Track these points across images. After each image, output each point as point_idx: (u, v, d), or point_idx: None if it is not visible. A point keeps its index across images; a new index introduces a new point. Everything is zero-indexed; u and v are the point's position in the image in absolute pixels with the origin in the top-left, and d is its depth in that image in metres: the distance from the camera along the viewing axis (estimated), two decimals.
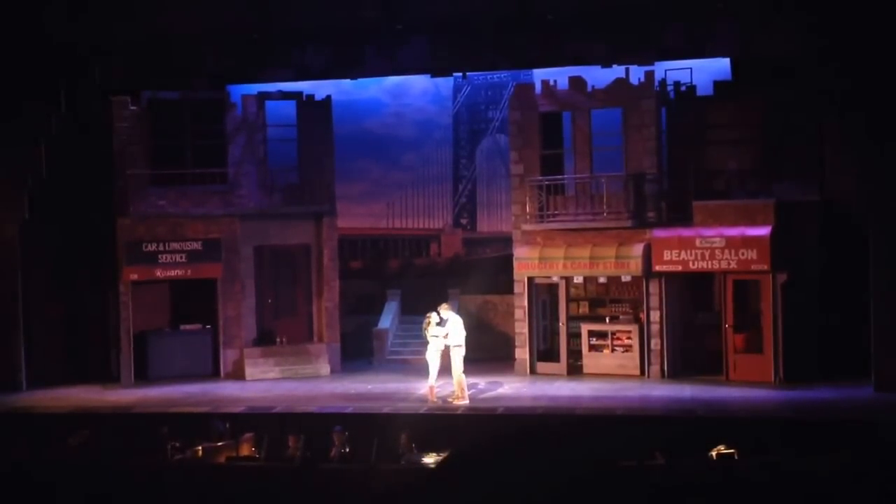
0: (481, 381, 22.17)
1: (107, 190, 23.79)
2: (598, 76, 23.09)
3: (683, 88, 23.14)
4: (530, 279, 23.47)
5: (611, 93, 22.83)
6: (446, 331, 20.01)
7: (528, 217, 23.47)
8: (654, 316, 22.41)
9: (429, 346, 20.21)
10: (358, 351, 25.66)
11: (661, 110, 22.80)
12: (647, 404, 19.76)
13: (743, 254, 21.36)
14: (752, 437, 16.59)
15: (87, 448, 17.04)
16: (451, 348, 20.01)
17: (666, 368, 22.30)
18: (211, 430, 17.87)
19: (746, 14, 21.64)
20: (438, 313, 20.26)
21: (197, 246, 23.78)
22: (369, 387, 22.26)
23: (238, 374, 23.70)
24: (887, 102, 20.10)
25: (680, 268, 22.00)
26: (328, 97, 24.73)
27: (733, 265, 21.48)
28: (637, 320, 22.76)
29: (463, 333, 20.31)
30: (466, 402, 19.99)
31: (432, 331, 20.07)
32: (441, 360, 20.18)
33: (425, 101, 28.40)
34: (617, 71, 22.85)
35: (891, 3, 20.14)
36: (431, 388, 20.16)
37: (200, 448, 16.87)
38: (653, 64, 22.54)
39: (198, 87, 24.07)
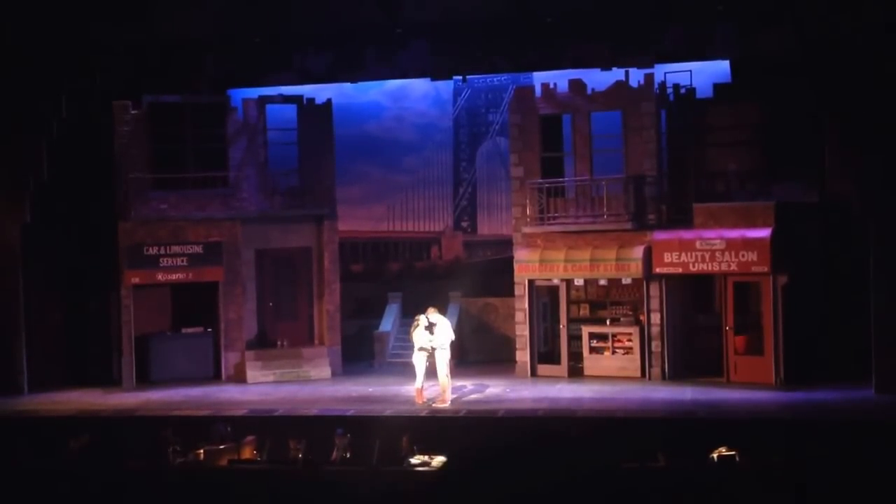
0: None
1: (108, 193, 23.83)
2: (598, 79, 23.13)
3: (683, 91, 23.18)
4: (531, 281, 23.50)
5: (610, 95, 22.87)
6: (432, 336, 20.05)
7: (528, 219, 23.50)
8: (655, 318, 22.44)
9: (415, 349, 20.28)
10: (359, 354, 25.70)
11: (660, 113, 22.84)
12: (648, 406, 19.77)
13: (743, 255, 21.39)
14: (753, 439, 16.61)
15: (89, 451, 17.06)
16: (435, 351, 20.03)
17: (667, 370, 22.33)
18: (213, 433, 17.91)
19: (745, 16, 21.69)
20: (427, 316, 20.30)
21: (198, 249, 23.83)
22: (370, 389, 22.29)
23: (239, 377, 23.73)
24: (886, 103, 20.13)
25: (680, 270, 22.03)
26: (329, 101, 24.77)
27: (734, 267, 21.52)
28: (638, 322, 22.79)
29: (450, 337, 20.32)
30: (447, 405, 19.99)
31: (416, 335, 20.12)
32: (430, 361, 20.24)
33: (426, 104, 28.44)
34: (617, 73, 22.89)
35: (888, 4, 20.17)
36: (419, 390, 20.22)
37: (202, 451, 16.90)
38: (652, 66, 22.59)
39: (199, 91, 24.12)
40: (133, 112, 23.65)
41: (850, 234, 21.14)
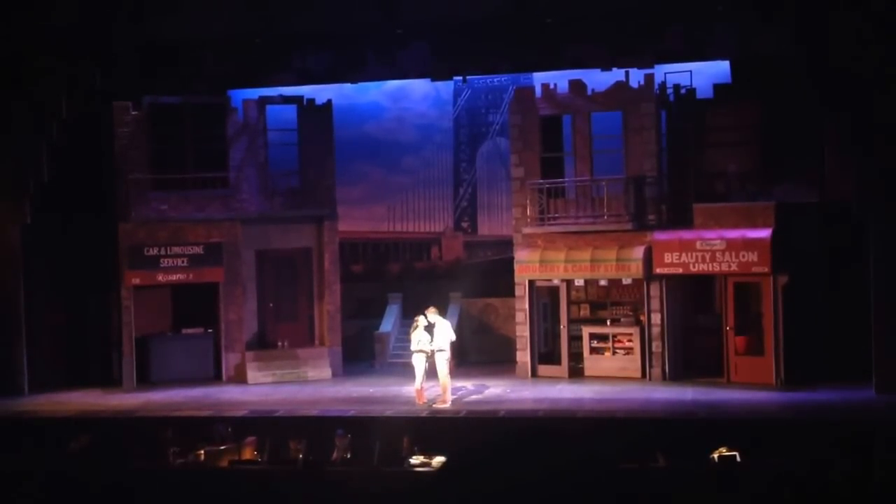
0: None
1: (108, 194, 23.84)
2: (598, 79, 23.12)
3: (683, 91, 23.18)
4: (531, 282, 23.49)
5: (611, 96, 22.87)
6: (429, 337, 20.05)
7: (528, 220, 23.49)
8: (655, 318, 22.43)
9: (413, 351, 20.28)
10: (359, 354, 25.68)
11: (660, 113, 22.83)
12: (649, 406, 19.78)
13: (743, 256, 21.39)
14: (754, 439, 16.62)
15: (89, 452, 17.05)
16: (434, 353, 20.01)
17: (667, 371, 22.32)
18: (213, 434, 17.92)
19: (745, 16, 21.68)
20: (426, 317, 20.28)
21: (198, 250, 23.83)
22: (371, 390, 22.29)
23: (240, 378, 23.73)
24: (886, 103, 20.12)
25: (681, 270, 22.03)
26: (329, 101, 24.77)
27: (734, 267, 21.51)
28: (638, 323, 22.78)
29: (451, 337, 20.27)
30: (447, 405, 19.98)
31: (416, 336, 20.10)
32: (430, 362, 20.23)
33: (426, 104, 28.43)
34: (617, 74, 22.89)
35: (888, 5, 20.17)
36: (418, 391, 20.20)
37: (203, 452, 16.92)
38: (652, 67, 22.58)
39: (199, 92, 24.12)
40: (133, 113, 23.66)
41: (850, 234, 21.13)
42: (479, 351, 25.80)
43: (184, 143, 23.94)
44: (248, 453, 17.35)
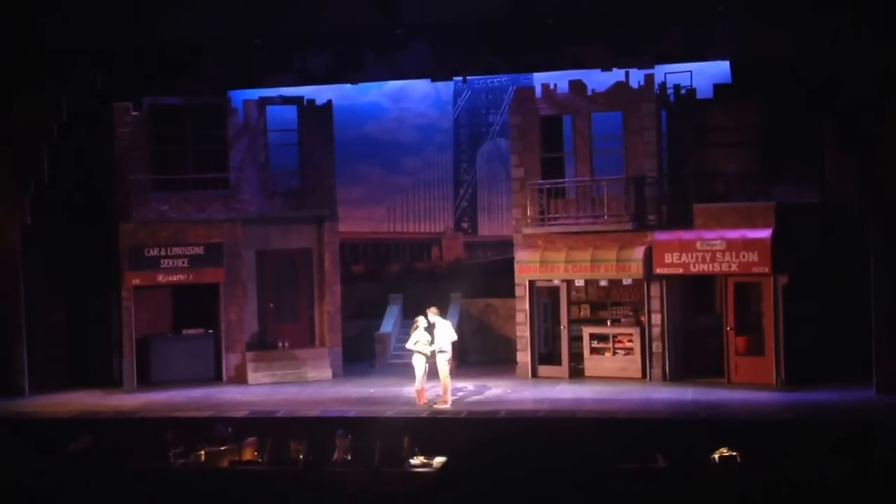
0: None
1: (109, 195, 23.85)
2: (598, 79, 23.13)
3: (683, 91, 23.19)
4: (531, 282, 23.50)
5: (611, 96, 22.88)
6: (428, 337, 20.03)
7: (528, 220, 23.50)
8: (656, 319, 22.44)
9: (413, 351, 20.28)
10: (360, 355, 25.71)
11: (661, 113, 22.85)
12: (649, 407, 19.78)
13: (744, 256, 21.40)
14: (754, 439, 16.62)
15: (90, 453, 17.06)
16: (435, 353, 20.01)
17: (667, 371, 22.33)
18: (213, 435, 17.92)
19: (745, 16, 21.69)
20: (427, 317, 20.27)
21: (199, 250, 23.84)
22: (371, 391, 22.30)
23: (240, 379, 23.75)
24: (886, 102, 20.13)
25: (681, 270, 22.04)
26: (329, 102, 24.79)
27: (734, 267, 21.52)
28: (638, 323, 22.79)
29: (452, 338, 20.26)
30: (448, 406, 19.98)
31: (415, 337, 20.09)
32: (430, 362, 20.22)
33: (426, 105, 28.45)
34: (617, 74, 22.90)
35: (887, 5, 20.18)
36: (419, 391, 20.19)
37: (203, 452, 16.93)
38: (652, 67, 22.59)
39: (199, 93, 24.13)
40: (133, 114, 23.68)
41: (850, 234, 21.13)
42: (479, 351, 25.82)
43: (184, 144, 23.95)
44: (248, 454, 17.36)
